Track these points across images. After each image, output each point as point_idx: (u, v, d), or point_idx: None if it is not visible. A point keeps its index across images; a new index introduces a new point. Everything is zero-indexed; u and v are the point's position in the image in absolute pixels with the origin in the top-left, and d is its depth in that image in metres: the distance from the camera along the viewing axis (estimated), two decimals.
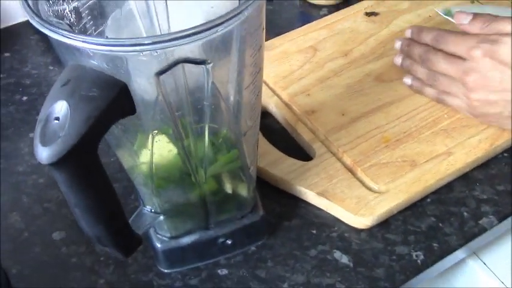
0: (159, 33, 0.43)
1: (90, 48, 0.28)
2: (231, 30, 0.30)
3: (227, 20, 0.29)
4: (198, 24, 0.28)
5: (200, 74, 0.32)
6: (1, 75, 0.64)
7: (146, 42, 0.27)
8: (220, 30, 0.29)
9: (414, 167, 0.50)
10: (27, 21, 0.70)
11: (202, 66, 0.31)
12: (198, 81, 0.33)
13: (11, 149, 0.56)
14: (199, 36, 0.28)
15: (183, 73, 0.32)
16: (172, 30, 0.42)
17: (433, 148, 0.51)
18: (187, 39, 0.28)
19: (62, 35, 0.28)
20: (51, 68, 0.64)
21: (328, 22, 0.65)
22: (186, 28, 0.28)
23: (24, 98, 0.61)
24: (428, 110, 0.55)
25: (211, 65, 0.31)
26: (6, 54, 0.66)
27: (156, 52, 0.29)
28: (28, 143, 0.57)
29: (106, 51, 0.28)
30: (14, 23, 0.70)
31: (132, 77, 0.30)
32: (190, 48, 0.30)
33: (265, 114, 0.57)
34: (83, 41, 0.28)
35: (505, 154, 0.53)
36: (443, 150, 0.51)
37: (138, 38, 0.27)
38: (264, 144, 0.53)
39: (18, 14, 0.70)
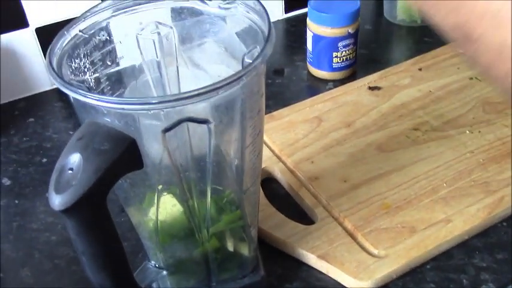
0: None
1: (104, 106, 0.31)
2: (231, 93, 0.33)
3: (228, 84, 0.32)
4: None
5: (204, 133, 0.35)
6: (24, 139, 0.68)
7: (154, 101, 0.31)
8: (221, 93, 0.32)
9: (413, 233, 0.51)
10: (52, 90, 0.75)
11: (205, 125, 0.34)
12: (202, 140, 0.36)
13: (27, 206, 0.59)
14: (202, 97, 0.31)
15: (188, 132, 0.35)
16: None
17: (432, 215, 0.53)
18: (191, 99, 0.31)
19: (79, 94, 0.32)
20: (71, 132, 0.68)
21: (333, 95, 0.69)
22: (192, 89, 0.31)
23: (44, 160, 0.65)
24: (427, 178, 0.57)
25: (213, 124, 0.34)
26: (31, 120, 0.71)
27: (163, 111, 0.32)
28: (44, 202, 0.59)
29: (118, 109, 0.31)
30: (40, 91, 0.75)
31: (141, 134, 0.33)
32: (195, 109, 0.33)
33: (271, 180, 0.60)
34: (97, 100, 0.31)
35: (504, 223, 0.54)
36: (442, 217, 0.53)
37: (146, 97, 0.30)
38: (268, 208, 0.55)
39: (44, 82, 0.75)
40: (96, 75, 0.41)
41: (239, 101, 0.35)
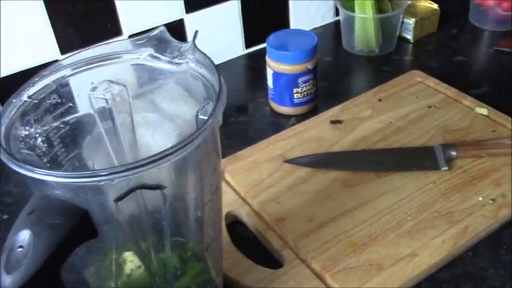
0: (125, 150, 0.45)
1: (52, 181, 0.31)
2: (184, 156, 0.33)
3: (179, 149, 0.32)
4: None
5: (158, 197, 0.35)
6: None
7: (103, 173, 0.30)
8: (173, 158, 0.32)
9: (381, 270, 0.51)
10: None
11: (159, 191, 0.34)
12: (157, 202, 0.36)
13: None
14: (153, 165, 0.31)
15: (141, 197, 0.35)
16: (142, 143, 0.45)
17: (399, 250, 0.53)
18: (142, 168, 0.31)
19: (26, 169, 0.31)
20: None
21: (296, 131, 0.69)
22: (146, 156, 0.31)
23: (5, 216, 0.63)
24: (392, 213, 0.57)
25: (167, 188, 0.34)
26: None
27: (113, 181, 0.31)
28: None
29: (67, 182, 0.31)
30: None
31: (92, 204, 0.33)
32: (148, 176, 0.33)
33: (237, 223, 0.59)
34: (46, 174, 0.31)
35: (469, 253, 0.54)
36: (408, 252, 0.53)
37: (95, 170, 0.30)
38: (235, 254, 0.54)
39: None
40: (48, 139, 0.40)
41: (193, 162, 0.35)
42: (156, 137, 0.47)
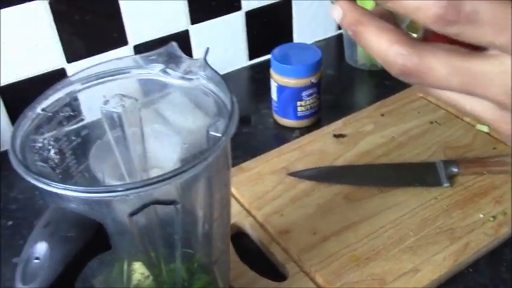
0: (135, 162, 0.46)
1: (69, 195, 0.31)
2: (197, 173, 0.34)
3: (193, 167, 0.32)
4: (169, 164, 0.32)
5: (170, 210, 0.36)
6: None
7: (119, 189, 0.31)
8: (187, 176, 0.32)
9: (383, 285, 0.52)
10: None
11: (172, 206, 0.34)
12: (169, 216, 0.36)
13: None
14: (167, 182, 0.32)
15: (155, 211, 0.36)
16: (150, 155, 0.46)
17: (401, 266, 0.54)
18: (157, 185, 0.31)
19: (44, 183, 0.32)
20: (37, 192, 0.67)
21: (300, 144, 0.70)
22: (159, 174, 0.32)
23: (9, 222, 0.64)
24: (394, 227, 0.58)
25: (180, 204, 0.34)
26: None
27: (129, 196, 0.32)
28: (10, 268, 0.58)
29: (83, 197, 0.31)
30: (4, 149, 0.74)
31: (107, 218, 0.33)
32: (161, 192, 0.33)
33: (241, 235, 0.60)
34: (63, 189, 0.31)
35: (470, 269, 0.55)
36: (410, 267, 0.54)
37: (111, 185, 0.30)
38: (239, 265, 0.55)
39: (6, 139, 0.74)
40: (61, 151, 0.41)
41: (205, 178, 0.35)
42: (164, 148, 0.47)
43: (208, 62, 0.42)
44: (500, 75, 0.25)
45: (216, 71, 0.41)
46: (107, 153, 0.45)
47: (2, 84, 0.71)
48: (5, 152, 0.74)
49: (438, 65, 0.26)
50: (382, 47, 0.27)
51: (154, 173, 0.47)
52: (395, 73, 0.27)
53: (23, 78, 0.72)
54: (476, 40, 0.25)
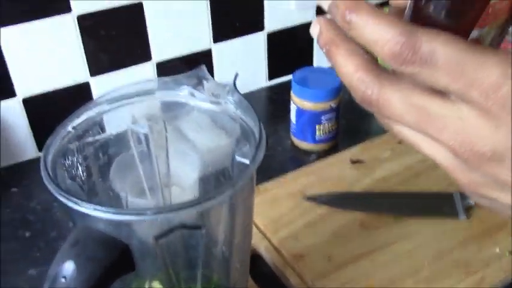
0: (158, 179, 0.47)
1: (99, 216, 0.32)
2: (224, 200, 0.34)
3: (221, 193, 0.33)
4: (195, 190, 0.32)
5: (194, 233, 0.36)
6: (6, 210, 0.67)
7: (148, 212, 0.31)
8: (215, 202, 0.33)
9: None
10: (37, 158, 0.75)
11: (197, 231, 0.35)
12: (192, 239, 0.37)
13: (9, 285, 0.58)
14: (195, 208, 0.32)
15: (180, 235, 0.36)
16: (172, 172, 0.46)
17: None
18: (185, 210, 0.32)
19: (75, 203, 0.32)
20: (55, 204, 0.68)
21: (317, 168, 0.71)
22: (187, 200, 0.32)
23: (27, 233, 0.64)
24: (410, 258, 0.58)
25: (205, 229, 0.35)
26: (14, 190, 0.71)
27: (157, 220, 0.33)
28: (26, 279, 0.59)
29: (112, 219, 0.32)
30: (23, 159, 0.75)
31: (133, 239, 0.34)
32: (187, 216, 0.34)
33: (256, 257, 0.60)
34: (93, 209, 0.32)
35: None
36: None
37: (141, 209, 0.31)
38: None
39: (28, 150, 0.75)
40: (88, 169, 0.41)
41: (231, 204, 0.36)
42: (185, 166, 0.48)
43: (237, 87, 0.43)
44: (454, 121, 0.24)
45: (244, 98, 0.42)
46: (128, 168, 0.46)
47: (26, 96, 0.72)
48: (26, 162, 0.75)
49: (396, 98, 0.25)
50: (349, 70, 0.26)
51: (174, 190, 0.47)
52: (357, 99, 0.27)
53: (47, 91, 0.73)
54: (433, 83, 0.24)
